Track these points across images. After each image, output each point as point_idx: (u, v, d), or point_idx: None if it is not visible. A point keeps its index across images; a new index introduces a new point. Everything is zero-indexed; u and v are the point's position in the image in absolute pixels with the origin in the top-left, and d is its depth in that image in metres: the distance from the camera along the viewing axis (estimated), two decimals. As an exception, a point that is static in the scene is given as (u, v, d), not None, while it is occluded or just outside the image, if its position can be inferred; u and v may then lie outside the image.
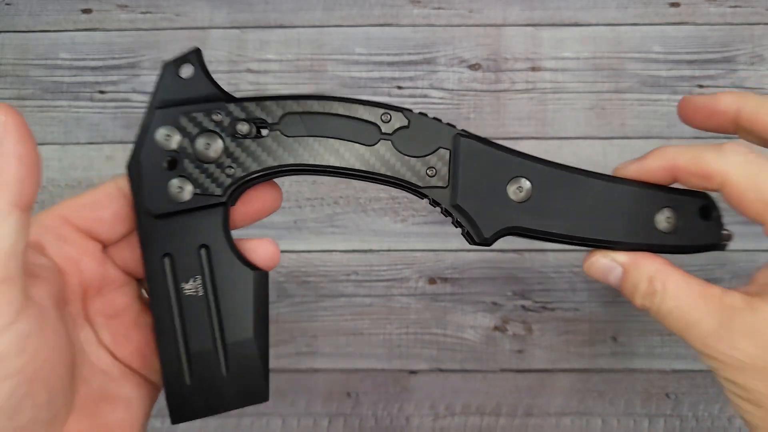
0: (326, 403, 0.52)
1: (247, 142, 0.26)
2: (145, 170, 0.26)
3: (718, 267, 0.52)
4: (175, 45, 0.56)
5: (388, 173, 0.27)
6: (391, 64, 0.56)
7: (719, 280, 0.52)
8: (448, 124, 0.27)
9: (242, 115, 0.26)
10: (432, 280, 0.53)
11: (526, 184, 0.27)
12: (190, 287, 0.26)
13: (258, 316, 0.26)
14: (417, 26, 0.56)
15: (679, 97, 0.55)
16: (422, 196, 0.27)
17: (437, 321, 0.53)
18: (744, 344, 0.23)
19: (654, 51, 0.55)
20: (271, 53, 0.56)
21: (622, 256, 0.27)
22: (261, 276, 0.27)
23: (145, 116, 0.26)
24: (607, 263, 0.27)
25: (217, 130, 0.26)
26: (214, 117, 0.26)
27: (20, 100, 0.56)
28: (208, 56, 0.56)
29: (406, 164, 0.27)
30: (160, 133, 0.26)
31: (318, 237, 0.54)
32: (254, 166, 0.26)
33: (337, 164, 0.27)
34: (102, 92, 0.56)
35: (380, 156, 0.27)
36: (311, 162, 0.26)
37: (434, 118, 0.27)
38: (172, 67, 0.27)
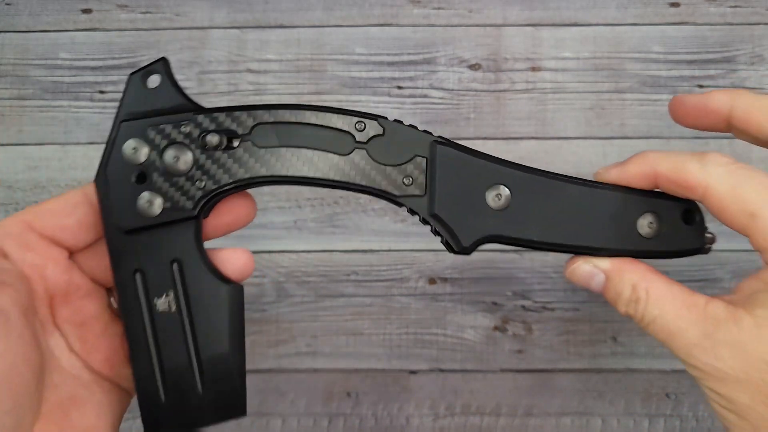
0: (326, 403, 0.52)
1: (218, 153, 0.26)
2: (113, 185, 0.25)
3: (718, 267, 0.52)
4: (175, 45, 0.56)
5: (364, 182, 0.26)
6: (391, 64, 0.56)
7: (719, 279, 0.52)
8: (425, 131, 0.27)
9: (212, 126, 0.26)
10: (432, 280, 0.53)
11: (505, 191, 0.26)
12: (162, 303, 0.26)
13: (233, 330, 0.26)
14: (417, 26, 0.56)
15: (679, 97, 0.55)
16: (400, 205, 0.27)
17: (437, 321, 0.53)
18: (727, 356, 0.23)
19: (654, 51, 0.55)
20: (271, 53, 0.56)
21: (604, 263, 0.27)
22: (235, 289, 0.26)
23: (111, 129, 0.26)
24: (590, 269, 0.27)
25: (186, 141, 0.26)
26: (183, 128, 0.26)
27: (20, 100, 0.56)
28: (208, 56, 0.56)
29: (382, 173, 0.26)
30: (128, 146, 0.25)
31: (318, 237, 0.54)
32: (225, 179, 0.26)
33: (311, 174, 0.26)
34: (102, 92, 0.56)
35: (355, 165, 0.26)
36: (284, 173, 0.26)
37: (410, 126, 0.27)
38: (138, 77, 0.26)
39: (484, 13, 0.56)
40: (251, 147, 0.26)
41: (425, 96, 0.55)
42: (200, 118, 0.26)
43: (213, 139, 0.25)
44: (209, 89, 0.55)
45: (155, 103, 0.26)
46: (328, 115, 0.26)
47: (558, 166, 0.56)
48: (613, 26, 0.56)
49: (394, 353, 0.53)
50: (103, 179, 0.25)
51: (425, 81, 0.55)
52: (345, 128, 0.26)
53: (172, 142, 0.26)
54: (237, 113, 0.26)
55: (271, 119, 0.26)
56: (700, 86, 0.55)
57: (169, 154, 0.25)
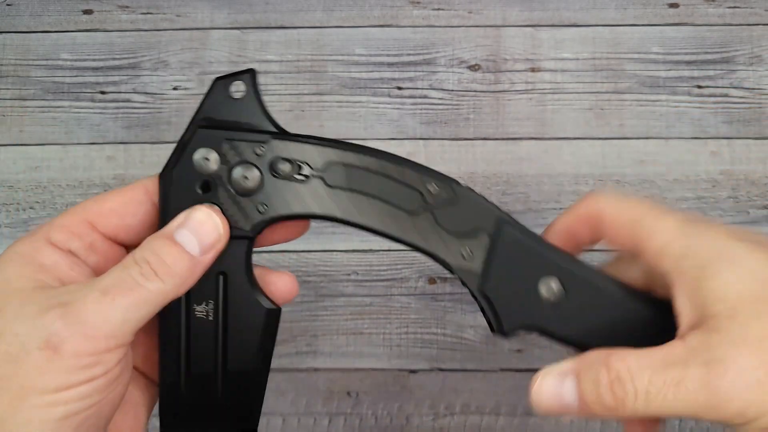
0: (326, 403, 0.52)
1: (286, 182, 0.25)
2: (176, 188, 0.25)
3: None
4: (176, 45, 0.56)
5: (422, 245, 0.26)
6: (390, 64, 0.56)
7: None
8: (492, 204, 0.26)
9: (286, 154, 0.25)
10: (432, 280, 0.53)
11: (558, 285, 0.25)
12: (201, 310, 0.26)
13: (263, 351, 0.26)
14: (417, 27, 0.56)
15: (678, 97, 0.55)
16: (452, 272, 0.26)
17: (437, 321, 0.53)
18: (744, 395, 0.20)
19: (653, 52, 0.55)
20: (272, 54, 0.56)
21: (567, 364, 0.22)
22: (273, 312, 0.26)
23: (186, 130, 0.25)
24: (554, 379, 0.22)
25: (258, 163, 0.25)
26: (258, 150, 0.25)
27: (21, 100, 0.56)
28: (208, 57, 0.57)
29: (444, 240, 0.26)
30: (199, 154, 0.25)
31: (318, 237, 0.54)
32: (286, 210, 0.25)
33: (373, 226, 0.26)
34: (103, 93, 0.56)
35: (418, 226, 0.26)
36: (346, 218, 0.26)
37: (480, 196, 0.26)
38: (222, 84, 0.25)
39: (484, 14, 0.56)
40: (320, 185, 0.25)
41: (425, 96, 0.55)
42: (276, 143, 0.25)
43: (284, 167, 0.25)
44: (210, 90, 0.55)
45: (235, 113, 0.25)
46: (407, 170, 0.26)
47: (557, 167, 0.56)
48: (612, 27, 0.56)
49: (394, 353, 0.53)
50: (168, 179, 0.25)
51: (425, 82, 0.56)
52: (417, 186, 0.26)
53: (244, 161, 0.25)
54: (315, 146, 0.25)
55: (348, 161, 0.26)
56: (699, 86, 0.55)
57: (238, 171, 0.25)
